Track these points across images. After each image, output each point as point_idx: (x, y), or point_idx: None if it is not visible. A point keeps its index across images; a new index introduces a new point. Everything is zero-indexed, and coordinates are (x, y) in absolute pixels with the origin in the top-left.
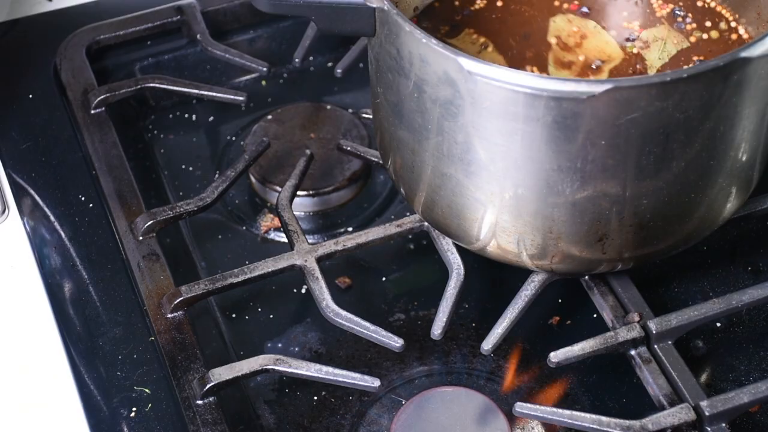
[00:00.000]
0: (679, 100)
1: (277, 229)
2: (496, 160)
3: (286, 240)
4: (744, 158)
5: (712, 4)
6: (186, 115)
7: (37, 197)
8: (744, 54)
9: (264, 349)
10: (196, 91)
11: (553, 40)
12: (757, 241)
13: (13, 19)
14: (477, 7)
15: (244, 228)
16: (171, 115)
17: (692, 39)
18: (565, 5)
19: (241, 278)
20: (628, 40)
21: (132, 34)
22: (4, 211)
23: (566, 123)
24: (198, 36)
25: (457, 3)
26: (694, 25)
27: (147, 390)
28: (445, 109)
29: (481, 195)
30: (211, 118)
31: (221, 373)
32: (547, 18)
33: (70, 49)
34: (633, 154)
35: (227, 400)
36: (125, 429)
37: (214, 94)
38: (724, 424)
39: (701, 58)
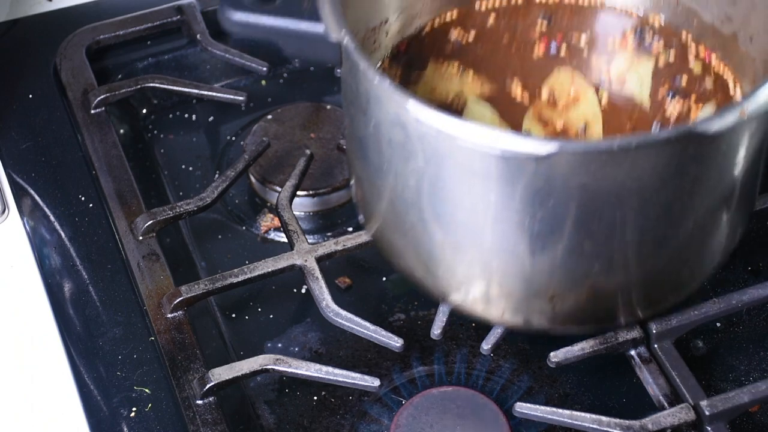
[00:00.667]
0: (630, 168)
1: (277, 229)
2: (449, 209)
3: (286, 240)
4: (707, 228)
5: (714, 62)
6: (186, 115)
7: (37, 197)
8: (700, 129)
9: (264, 349)
10: (196, 91)
11: (545, 93)
12: (757, 241)
13: (13, 19)
14: (464, 41)
15: (244, 228)
16: (171, 115)
17: (661, 60)
18: (541, 45)
19: (241, 278)
20: (600, 85)
21: (132, 34)
22: (4, 211)
23: (512, 180)
24: (198, 36)
25: (453, 33)
26: (661, 43)
27: (147, 390)
28: (398, 151)
29: (435, 245)
30: (211, 118)
31: (221, 373)
32: (540, 63)
33: (70, 49)
34: (584, 218)
35: (227, 400)
36: (125, 429)
37: (214, 94)
38: (724, 424)
39: (681, 77)
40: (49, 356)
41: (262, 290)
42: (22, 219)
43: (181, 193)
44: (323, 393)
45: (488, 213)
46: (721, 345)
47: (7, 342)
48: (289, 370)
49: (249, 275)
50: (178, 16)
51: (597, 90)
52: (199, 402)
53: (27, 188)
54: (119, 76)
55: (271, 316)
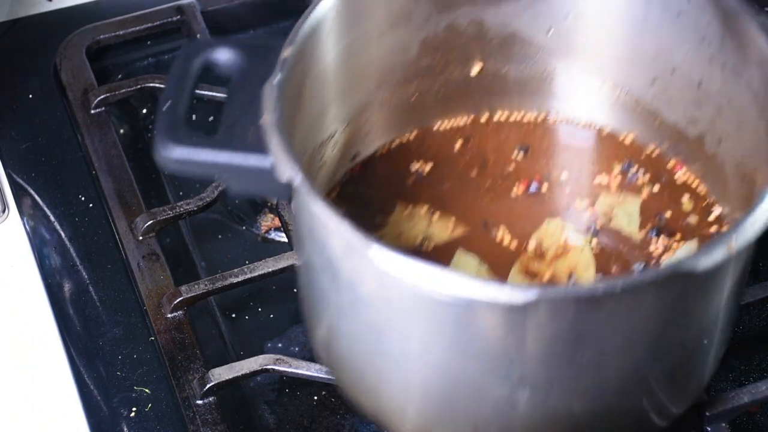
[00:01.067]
0: (615, 311)
1: (277, 229)
2: (419, 356)
3: (286, 240)
4: (696, 351)
5: (687, 179)
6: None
7: (37, 197)
8: (688, 268)
9: (264, 349)
10: (196, 91)
11: (532, 245)
12: (757, 241)
13: (13, 19)
14: (428, 172)
15: (244, 228)
16: None
17: (638, 190)
18: (518, 185)
19: (241, 278)
20: (588, 230)
21: (132, 34)
22: (4, 211)
23: (490, 329)
24: (198, 36)
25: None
26: (647, 178)
27: (147, 390)
28: (361, 297)
29: (402, 392)
30: (211, 118)
31: (221, 373)
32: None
33: (70, 49)
34: (564, 362)
35: (227, 400)
36: (125, 429)
37: (214, 94)
38: (724, 424)
39: (663, 208)
40: (49, 356)
41: (262, 290)
42: (22, 219)
43: (181, 193)
44: (323, 393)
45: (463, 361)
46: None
47: (7, 342)
48: (289, 370)
49: (249, 275)
50: (178, 16)
51: (588, 234)
52: (199, 402)
53: (27, 188)
54: (119, 76)
55: (271, 316)
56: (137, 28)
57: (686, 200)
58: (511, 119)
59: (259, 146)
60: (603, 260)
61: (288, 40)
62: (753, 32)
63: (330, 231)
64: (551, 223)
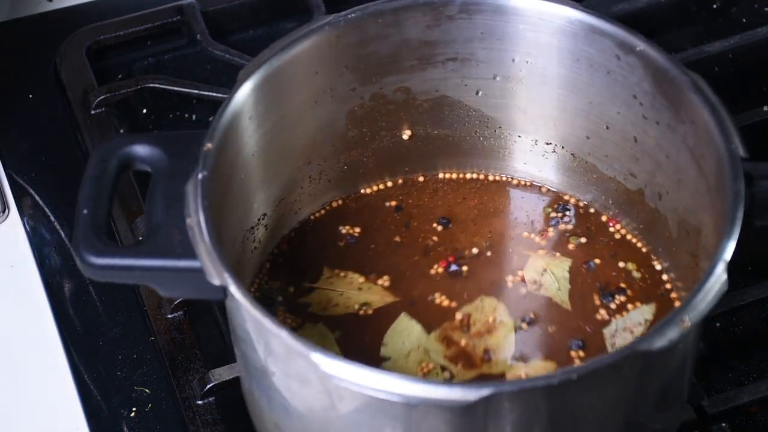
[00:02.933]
0: (571, 397)
1: None
2: None
3: None
4: (654, 415)
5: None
6: (186, 115)
7: (37, 197)
8: (643, 348)
9: None
10: (196, 91)
11: (459, 316)
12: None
13: (13, 19)
14: (354, 240)
15: None
16: (171, 115)
17: (570, 246)
18: (436, 266)
19: None
20: (523, 320)
21: (132, 34)
22: (4, 211)
23: (443, 427)
24: (198, 36)
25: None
26: (570, 227)
27: (147, 390)
28: (300, 393)
29: None
30: (211, 118)
31: (221, 373)
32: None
33: (70, 49)
34: None
35: (227, 400)
36: (125, 429)
37: (214, 94)
38: (724, 424)
39: (595, 260)
40: (49, 356)
41: None
42: (22, 219)
43: None
44: None
45: None
46: (721, 345)
47: (7, 342)
48: None
49: None
50: (178, 16)
51: (518, 321)
52: (199, 402)
53: (27, 188)
54: (119, 76)
55: None
56: (137, 28)
57: (624, 258)
58: (444, 178)
59: (186, 251)
60: (536, 338)
61: (208, 133)
62: (684, 91)
63: (270, 337)
64: (485, 300)
